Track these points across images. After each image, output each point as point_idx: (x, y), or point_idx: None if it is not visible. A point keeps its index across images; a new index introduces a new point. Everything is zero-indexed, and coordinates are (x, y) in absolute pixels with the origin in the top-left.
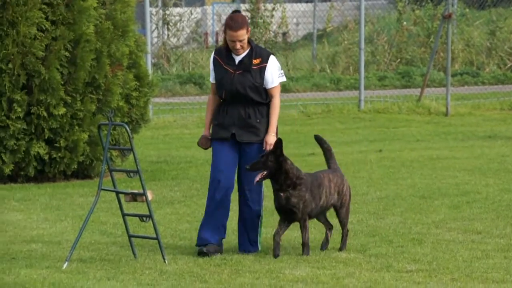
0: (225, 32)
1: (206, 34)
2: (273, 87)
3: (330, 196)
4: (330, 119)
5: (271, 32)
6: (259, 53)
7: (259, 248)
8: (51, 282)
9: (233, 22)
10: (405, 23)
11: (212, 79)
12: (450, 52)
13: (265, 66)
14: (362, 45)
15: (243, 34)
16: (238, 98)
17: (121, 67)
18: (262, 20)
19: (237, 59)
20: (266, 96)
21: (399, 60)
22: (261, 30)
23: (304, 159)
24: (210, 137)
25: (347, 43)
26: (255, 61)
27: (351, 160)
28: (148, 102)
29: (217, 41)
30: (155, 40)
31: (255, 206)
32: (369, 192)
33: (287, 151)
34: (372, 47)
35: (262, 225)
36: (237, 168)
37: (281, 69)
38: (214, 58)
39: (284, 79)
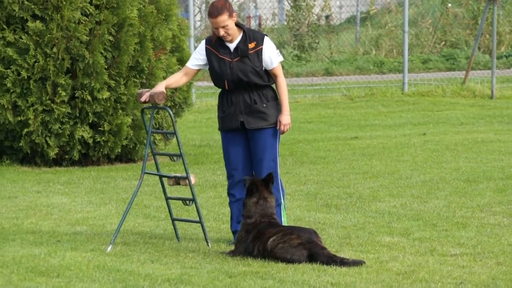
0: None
1: (249, 17)
2: (274, 67)
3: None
4: (374, 102)
5: (314, 15)
6: (253, 37)
7: None
8: (96, 264)
9: (213, 8)
10: (450, 5)
11: (190, 64)
12: (496, 34)
13: (261, 48)
14: (406, 27)
15: (225, 20)
16: (241, 85)
17: (164, 51)
18: (305, 3)
19: (232, 46)
20: (268, 78)
21: (443, 42)
22: (304, 13)
23: (347, 142)
24: (164, 93)
25: (391, 25)
26: (251, 45)
27: (394, 144)
28: (191, 86)
29: (259, 24)
30: (198, 23)
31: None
32: (412, 175)
33: (330, 134)
34: (416, 29)
35: (286, 214)
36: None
37: (277, 49)
38: (206, 48)
39: (281, 58)
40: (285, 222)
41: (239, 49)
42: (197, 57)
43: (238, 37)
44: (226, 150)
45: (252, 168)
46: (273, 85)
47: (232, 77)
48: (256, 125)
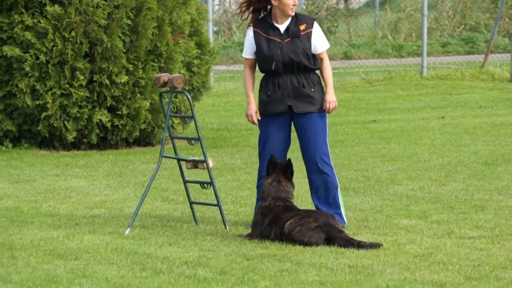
0: None
1: None
2: (322, 52)
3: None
4: (392, 86)
5: None
6: (303, 19)
7: (345, 221)
8: (114, 247)
9: None
10: None
11: (248, 54)
12: None
13: (311, 31)
14: (425, 11)
15: None
16: (290, 67)
17: (183, 35)
18: None
19: (282, 28)
20: (314, 62)
21: (463, 26)
22: None
23: (365, 126)
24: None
25: (410, 9)
26: (302, 27)
27: (413, 127)
28: (209, 70)
29: None
30: (217, 7)
31: (329, 178)
32: (431, 158)
33: (348, 118)
34: (436, 13)
35: (341, 197)
36: (300, 140)
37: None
38: (254, 31)
39: (328, 45)
40: (342, 203)
41: (290, 30)
42: (249, 45)
43: (288, 18)
44: (266, 134)
45: (286, 155)
46: (317, 71)
47: (283, 58)
48: (304, 109)
